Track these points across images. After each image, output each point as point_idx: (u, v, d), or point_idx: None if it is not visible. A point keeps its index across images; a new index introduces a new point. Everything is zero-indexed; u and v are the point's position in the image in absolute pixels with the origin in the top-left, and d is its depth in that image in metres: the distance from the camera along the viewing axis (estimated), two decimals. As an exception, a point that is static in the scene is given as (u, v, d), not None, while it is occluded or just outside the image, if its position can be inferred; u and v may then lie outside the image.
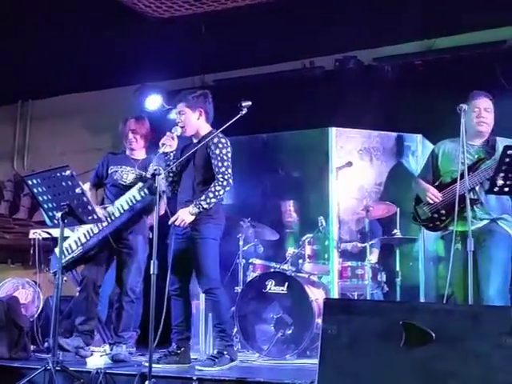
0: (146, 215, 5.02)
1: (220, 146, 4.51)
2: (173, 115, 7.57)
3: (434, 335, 2.94)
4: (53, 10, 6.21)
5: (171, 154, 4.55)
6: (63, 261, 4.69)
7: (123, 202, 4.88)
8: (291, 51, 7.16)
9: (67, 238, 4.91)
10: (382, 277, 5.92)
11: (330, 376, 3.03)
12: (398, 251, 6.03)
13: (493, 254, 4.26)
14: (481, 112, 4.37)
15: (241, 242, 6.03)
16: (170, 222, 4.45)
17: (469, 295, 3.88)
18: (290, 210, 6.88)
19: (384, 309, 3.20)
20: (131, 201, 4.87)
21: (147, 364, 3.85)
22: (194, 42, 6.76)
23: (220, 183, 4.43)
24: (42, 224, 6.07)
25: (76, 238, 4.95)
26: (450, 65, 6.61)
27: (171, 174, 4.69)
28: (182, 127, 4.61)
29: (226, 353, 4.40)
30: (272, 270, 5.97)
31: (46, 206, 4.35)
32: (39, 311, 6.32)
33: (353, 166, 6.36)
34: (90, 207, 4.31)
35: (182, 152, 4.65)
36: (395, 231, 6.00)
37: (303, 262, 5.98)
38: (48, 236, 6.21)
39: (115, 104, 7.81)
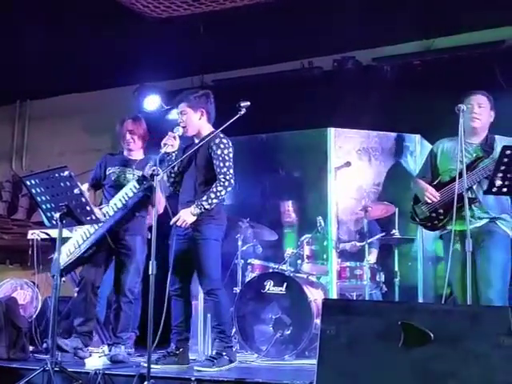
0: (140, 211, 5.01)
1: (222, 146, 4.51)
2: (172, 115, 7.62)
3: (432, 335, 2.94)
4: (52, 10, 6.21)
5: (173, 155, 4.55)
6: (62, 264, 4.70)
7: (117, 201, 4.88)
8: (290, 51, 7.17)
9: (66, 239, 4.91)
10: (381, 277, 5.92)
11: (329, 376, 3.03)
12: (396, 251, 6.04)
13: (492, 255, 4.26)
14: (473, 107, 4.38)
15: (239, 243, 6.03)
16: (171, 223, 4.45)
17: (467, 295, 3.88)
18: (288, 211, 6.88)
19: (383, 309, 3.20)
20: (124, 198, 4.87)
21: (146, 365, 3.84)
22: (193, 42, 6.76)
23: (221, 184, 4.43)
24: (41, 224, 6.08)
25: (75, 240, 4.95)
26: (448, 65, 6.61)
27: (173, 175, 4.70)
28: (183, 127, 4.61)
29: (224, 354, 4.40)
30: (271, 270, 5.97)
31: (44, 206, 4.34)
32: (38, 312, 6.31)
33: (351, 166, 6.36)
34: (88, 208, 4.31)
35: (183, 152, 4.64)
36: (394, 231, 6.01)
37: (302, 262, 5.98)
38: (46, 237, 6.20)
39: (114, 104, 7.81)
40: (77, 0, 6.10)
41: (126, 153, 5.20)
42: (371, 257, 6.06)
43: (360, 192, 6.50)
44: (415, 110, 6.53)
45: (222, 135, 4.57)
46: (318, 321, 5.22)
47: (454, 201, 4.13)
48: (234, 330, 5.49)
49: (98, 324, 5.75)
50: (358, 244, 6.11)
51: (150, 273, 3.92)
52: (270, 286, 5.61)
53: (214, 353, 4.49)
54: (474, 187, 4.32)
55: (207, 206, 4.39)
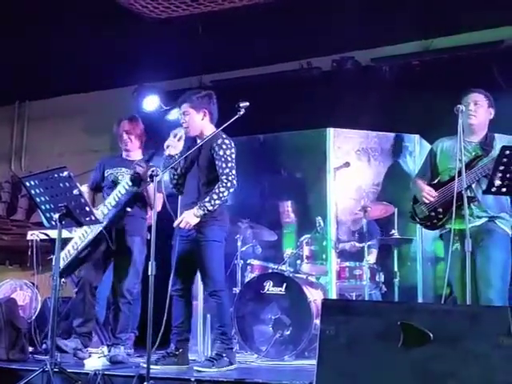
0: (139, 212, 5.01)
1: (224, 147, 4.51)
2: (171, 116, 7.63)
3: (432, 335, 2.94)
4: (52, 10, 6.21)
5: (176, 157, 4.55)
6: (62, 266, 4.70)
7: (111, 200, 4.89)
8: (289, 52, 7.17)
9: (66, 239, 4.90)
10: (380, 277, 5.92)
11: (329, 377, 3.03)
12: (395, 252, 6.04)
13: (491, 254, 4.26)
14: (469, 105, 4.39)
15: (239, 243, 6.03)
16: (174, 225, 4.46)
17: (467, 295, 3.89)
18: (288, 211, 6.88)
19: (382, 309, 3.20)
20: (117, 196, 4.88)
21: (145, 365, 3.84)
22: (192, 42, 6.76)
23: (224, 184, 4.43)
24: (40, 225, 6.08)
25: (74, 242, 4.96)
26: (447, 65, 6.61)
27: (176, 177, 4.70)
28: (186, 128, 4.61)
29: (225, 355, 4.40)
30: (270, 270, 5.97)
31: (43, 207, 4.34)
32: (37, 313, 6.31)
33: (350, 167, 6.36)
34: (87, 208, 4.31)
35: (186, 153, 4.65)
36: (393, 231, 6.01)
37: (301, 262, 5.98)
38: (46, 237, 6.20)
39: (113, 105, 7.81)
40: (77, 0, 6.10)
41: (124, 154, 5.20)
42: (371, 257, 6.06)
43: (359, 192, 6.50)
44: (414, 110, 6.53)
45: (224, 136, 4.57)
46: (317, 321, 5.22)
47: (454, 200, 4.14)
48: (233, 330, 5.49)
49: (98, 325, 5.74)
50: (358, 245, 6.12)
51: (150, 273, 3.92)
52: (269, 287, 5.61)
53: (214, 354, 4.49)
54: (473, 186, 4.33)
55: (210, 208, 4.40)
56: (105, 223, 4.83)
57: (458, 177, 4.13)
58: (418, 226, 5.15)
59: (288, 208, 6.88)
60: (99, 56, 7.08)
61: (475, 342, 2.90)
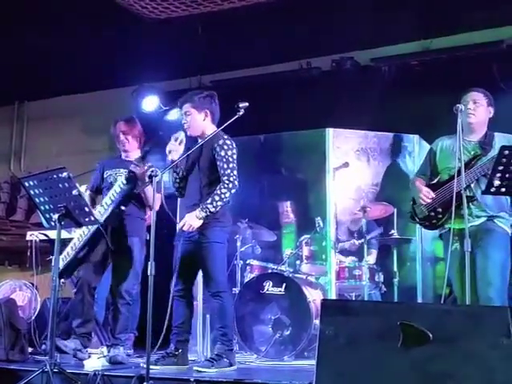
0: (127, 206, 5.00)
1: (225, 147, 4.50)
2: (170, 116, 7.63)
3: (431, 335, 2.94)
4: (52, 10, 6.21)
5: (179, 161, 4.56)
6: (61, 267, 4.71)
7: (107, 200, 4.90)
8: (288, 52, 7.17)
9: (65, 240, 4.90)
10: (380, 277, 5.92)
11: (328, 377, 3.03)
12: (395, 252, 6.04)
13: (490, 253, 4.26)
14: (469, 104, 4.40)
15: (238, 243, 6.02)
16: (178, 228, 4.46)
17: (466, 295, 3.89)
18: (287, 211, 6.89)
19: (381, 309, 3.20)
20: (113, 196, 4.88)
21: (145, 366, 3.84)
22: (191, 42, 6.77)
23: (226, 185, 4.43)
24: (39, 226, 6.09)
25: (72, 243, 4.96)
26: (447, 65, 6.61)
27: (177, 180, 4.70)
28: (187, 128, 4.62)
29: (224, 356, 4.39)
30: (269, 271, 5.97)
31: (42, 207, 4.34)
32: (36, 313, 6.30)
33: (350, 167, 6.36)
34: (86, 209, 4.31)
35: (187, 154, 4.65)
36: (392, 232, 6.01)
37: (301, 262, 5.98)
38: (45, 238, 6.20)
39: (113, 105, 7.81)
40: (77, 0, 6.10)
41: (123, 155, 5.20)
42: (370, 257, 6.06)
43: (358, 192, 6.50)
44: (414, 110, 6.54)
45: (225, 136, 4.57)
46: (317, 321, 5.22)
47: (453, 199, 4.14)
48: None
49: (97, 325, 5.74)
50: (357, 242, 6.11)
51: (149, 274, 3.91)
52: (269, 287, 5.61)
53: (214, 354, 4.48)
54: (472, 185, 4.32)
55: (212, 209, 4.40)
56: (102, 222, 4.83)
57: (458, 176, 4.14)
58: (418, 226, 5.16)
59: (287, 208, 6.88)
60: (99, 56, 7.08)
61: (475, 342, 2.90)
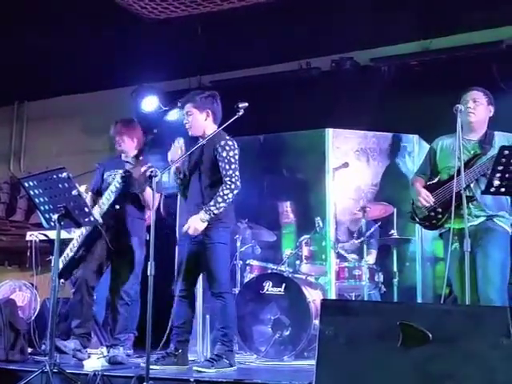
0: (137, 214, 5.02)
1: (227, 148, 4.50)
2: (170, 116, 7.64)
3: (431, 336, 2.94)
4: (52, 10, 6.21)
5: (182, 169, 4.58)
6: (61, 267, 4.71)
7: (104, 199, 4.91)
8: (288, 52, 7.17)
9: (64, 240, 4.90)
10: (380, 277, 5.92)
11: (328, 377, 3.03)
12: (395, 252, 6.04)
13: (490, 252, 4.25)
14: (468, 103, 4.40)
15: (238, 244, 6.02)
16: (183, 232, 4.47)
17: (466, 295, 3.89)
18: (287, 211, 6.89)
19: (381, 309, 3.20)
20: (109, 195, 4.89)
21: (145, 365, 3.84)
22: (191, 43, 6.76)
23: (228, 187, 4.43)
24: (39, 226, 6.08)
25: (71, 244, 4.96)
26: (446, 65, 6.61)
27: (179, 181, 4.71)
28: (188, 128, 4.62)
29: (224, 357, 4.39)
30: (269, 271, 5.97)
31: (42, 208, 4.34)
32: (36, 314, 6.30)
33: (349, 167, 6.36)
34: (86, 209, 4.31)
35: (190, 155, 4.65)
36: (392, 232, 6.01)
37: (300, 263, 5.97)
38: (45, 238, 6.20)
39: (112, 105, 7.81)
40: (77, 0, 6.10)
41: (123, 156, 5.20)
42: (370, 257, 6.06)
43: (358, 192, 6.50)
44: (413, 110, 6.54)
45: (227, 137, 4.57)
46: (316, 321, 5.22)
47: (453, 199, 4.14)
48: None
49: (97, 325, 5.74)
50: (357, 242, 6.11)
51: (149, 274, 3.91)
52: (268, 287, 5.61)
53: (214, 354, 4.48)
54: (472, 185, 4.32)
55: (216, 212, 4.40)
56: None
57: (457, 176, 4.14)
58: (418, 226, 5.16)
59: (287, 208, 6.88)
60: (99, 56, 7.08)
61: (475, 342, 2.90)
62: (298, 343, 5.35)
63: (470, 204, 4.28)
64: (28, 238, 6.35)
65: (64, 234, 4.75)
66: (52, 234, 5.65)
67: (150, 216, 4.79)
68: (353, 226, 6.40)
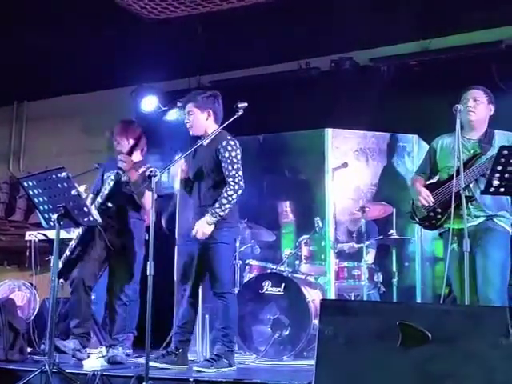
0: (136, 214, 5.02)
1: (229, 148, 4.50)
2: (169, 116, 7.64)
3: (430, 335, 2.94)
4: (52, 10, 6.21)
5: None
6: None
7: (98, 198, 4.93)
8: (287, 52, 7.17)
9: (63, 240, 4.90)
10: (379, 277, 5.92)
11: (327, 377, 3.03)
12: (394, 252, 6.04)
13: (490, 252, 4.24)
14: (469, 101, 4.40)
15: (237, 243, 6.02)
16: (192, 236, 4.47)
17: (465, 295, 3.88)
18: (286, 211, 6.89)
19: (381, 309, 3.20)
20: (102, 193, 4.92)
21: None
22: (190, 43, 6.76)
23: (232, 187, 4.43)
24: (38, 226, 6.09)
25: (70, 244, 4.96)
26: (445, 65, 6.61)
27: (185, 183, 4.72)
28: (189, 127, 4.63)
29: (224, 357, 4.39)
30: (269, 271, 5.97)
31: (41, 207, 4.34)
32: (35, 313, 6.31)
33: (349, 167, 6.35)
34: (85, 209, 4.31)
35: (193, 157, 4.65)
36: (391, 232, 6.01)
37: (300, 262, 5.98)
38: (44, 238, 6.20)
39: (112, 105, 7.81)
40: (77, 0, 6.10)
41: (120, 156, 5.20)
42: (369, 257, 6.06)
43: (357, 192, 6.50)
44: (412, 110, 6.53)
45: (229, 137, 4.56)
46: (316, 321, 5.22)
47: (452, 199, 4.14)
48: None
49: (96, 325, 5.74)
50: (356, 246, 6.11)
51: (148, 273, 3.91)
52: (268, 287, 5.61)
53: (213, 354, 4.48)
54: (471, 185, 4.32)
55: (222, 213, 4.41)
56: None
57: (457, 176, 4.13)
58: (417, 225, 5.16)
59: (286, 208, 6.88)
60: (98, 56, 7.07)
61: (474, 341, 2.90)
62: (297, 343, 5.36)
63: (469, 204, 4.27)
64: (27, 237, 6.36)
65: (63, 234, 4.76)
66: (51, 234, 5.65)
67: (149, 217, 4.79)
68: (352, 225, 6.40)
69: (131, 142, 5.13)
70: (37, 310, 6.38)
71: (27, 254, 6.22)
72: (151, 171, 4.08)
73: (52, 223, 4.27)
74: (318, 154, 6.22)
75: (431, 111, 6.20)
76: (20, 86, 8.10)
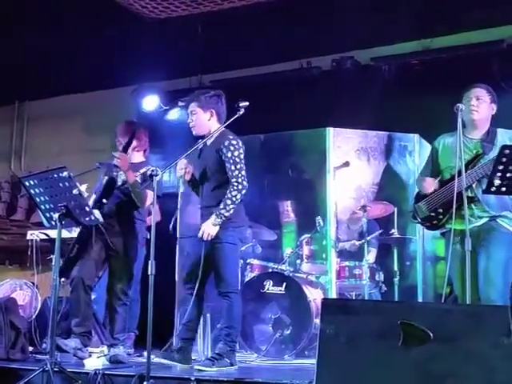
0: (108, 198, 4.99)
1: (232, 148, 4.49)
2: (170, 116, 7.65)
3: (431, 335, 2.94)
4: (52, 10, 6.21)
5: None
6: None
7: (93, 196, 4.94)
8: (288, 51, 7.17)
9: (65, 240, 4.90)
10: (380, 276, 5.92)
11: (329, 376, 3.03)
12: (395, 251, 6.03)
13: (493, 253, 4.23)
14: (471, 100, 4.38)
15: (241, 242, 6.02)
16: (198, 238, 4.48)
17: (467, 295, 3.88)
18: (287, 210, 6.88)
19: (382, 308, 3.20)
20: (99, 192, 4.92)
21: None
22: (191, 42, 6.77)
23: (235, 187, 4.43)
24: (40, 225, 6.08)
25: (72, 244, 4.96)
26: (447, 64, 6.61)
27: (191, 185, 4.73)
28: (192, 127, 4.63)
29: (225, 356, 4.39)
30: (270, 270, 5.97)
31: (43, 207, 4.35)
32: (37, 312, 6.31)
33: (350, 166, 6.35)
34: (87, 208, 4.31)
35: (198, 158, 4.66)
36: (393, 231, 6.00)
37: (301, 262, 5.98)
38: (45, 237, 6.20)
39: (113, 105, 7.82)
40: (77, 0, 6.10)
41: (125, 157, 5.20)
42: (370, 256, 6.05)
43: (359, 192, 6.50)
44: (414, 109, 6.54)
45: (231, 136, 4.55)
46: (317, 320, 5.22)
47: (454, 200, 4.13)
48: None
49: (97, 324, 5.74)
50: (358, 243, 6.11)
51: (150, 273, 3.92)
52: (269, 286, 5.61)
53: (215, 353, 4.48)
54: (474, 186, 4.30)
55: (227, 214, 4.41)
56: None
57: (458, 176, 4.12)
58: (418, 225, 5.15)
59: (288, 207, 6.88)
60: (99, 56, 7.08)
61: (475, 341, 2.90)
62: (298, 342, 5.36)
63: (472, 205, 4.25)
64: (29, 237, 6.36)
65: (65, 233, 4.75)
66: (53, 233, 5.65)
67: (151, 217, 4.79)
68: (353, 225, 6.40)
69: (130, 143, 5.13)
70: (38, 309, 6.39)
71: (29, 253, 6.22)
72: (152, 170, 4.08)
73: (53, 222, 4.27)
74: (320, 153, 6.22)
75: (432, 110, 6.20)
76: (21, 86, 8.12)
